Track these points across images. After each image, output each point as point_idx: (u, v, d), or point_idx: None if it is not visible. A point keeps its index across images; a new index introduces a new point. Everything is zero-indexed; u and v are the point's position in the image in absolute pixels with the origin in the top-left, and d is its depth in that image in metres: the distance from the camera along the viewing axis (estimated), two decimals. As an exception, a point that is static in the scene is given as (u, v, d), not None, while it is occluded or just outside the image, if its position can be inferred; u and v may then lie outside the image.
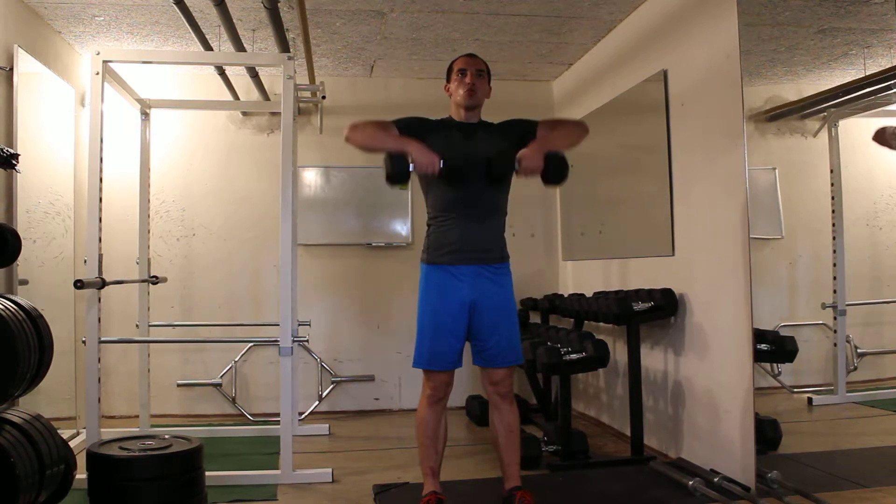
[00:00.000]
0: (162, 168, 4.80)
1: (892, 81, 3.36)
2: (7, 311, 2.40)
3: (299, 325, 4.30)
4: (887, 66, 3.41)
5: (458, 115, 2.80)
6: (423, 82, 5.20)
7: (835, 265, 3.62)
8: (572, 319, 4.37)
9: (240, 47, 3.89)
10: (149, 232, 4.31)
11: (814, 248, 3.80)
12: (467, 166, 2.63)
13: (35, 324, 2.52)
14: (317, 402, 4.99)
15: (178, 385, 4.85)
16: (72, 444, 3.15)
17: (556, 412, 3.88)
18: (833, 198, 3.62)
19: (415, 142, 2.60)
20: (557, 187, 2.71)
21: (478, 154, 2.68)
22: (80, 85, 4.47)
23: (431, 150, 2.57)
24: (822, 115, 3.67)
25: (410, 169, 2.55)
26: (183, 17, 3.46)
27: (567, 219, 5.20)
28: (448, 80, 2.83)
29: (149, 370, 4.27)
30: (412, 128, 2.71)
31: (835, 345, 3.64)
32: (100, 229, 3.28)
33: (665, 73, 3.66)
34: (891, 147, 2.88)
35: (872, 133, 2.88)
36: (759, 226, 3.37)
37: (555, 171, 2.59)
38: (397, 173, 2.54)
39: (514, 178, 2.73)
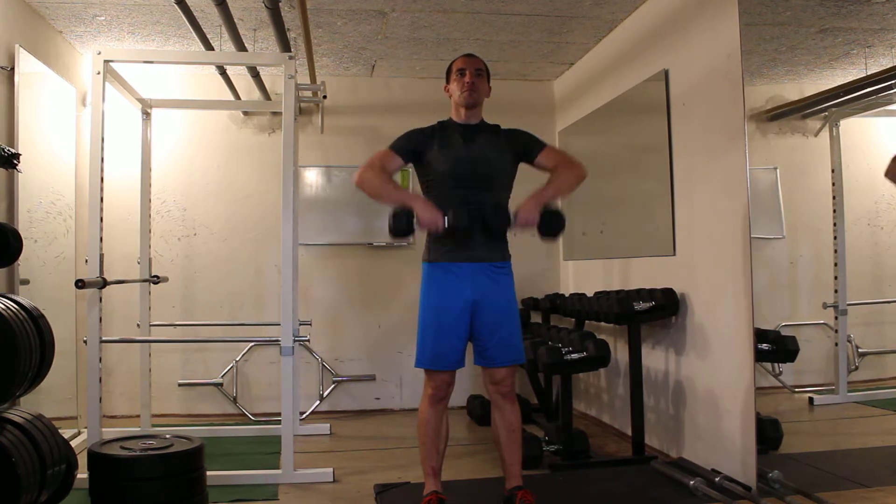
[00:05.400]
0: (163, 168, 4.81)
1: (893, 81, 3.36)
2: (8, 311, 2.40)
3: (300, 324, 4.29)
4: (888, 66, 3.41)
5: (459, 115, 2.80)
6: (424, 82, 5.20)
7: (836, 265, 3.62)
8: (573, 319, 4.37)
9: (241, 47, 3.89)
10: (150, 232, 4.31)
11: (815, 248, 3.80)
12: (468, 210, 2.61)
13: (36, 323, 2.53)
14: (318, 402, 4.99)
15: (180, 385, 4.85)
16: (73, 443, 3.17)
17: (557, 412, 3.88)
18: (834, 197, 3.62)
19: (420, 199, 2.65)
20: (553, 241, 2.76)
21: (479, 157, 2.72)
22: (81, 84, 4.48)
23: (434, 208, 2.60)
24: (823, 114, 3.67)
25: (415, 225, 2.60)
26: (184, 17, 3.46)
27: (568, 219, 5.15)
28: (447, 81, 2.84)
29: (150, 370, 4.27)
30: (411, 147, 2.76)
31: (836, 344, 3.64)
32: (101, 229, 3.28)
33: (666, 73, 3.66)
34: None
35: (885, 169, 2.84)
36: (760, 225, 3.37)
37: (550, 226, 2.67)
38: (402, 230, 2.60)
39: (516, 181, 2.81)
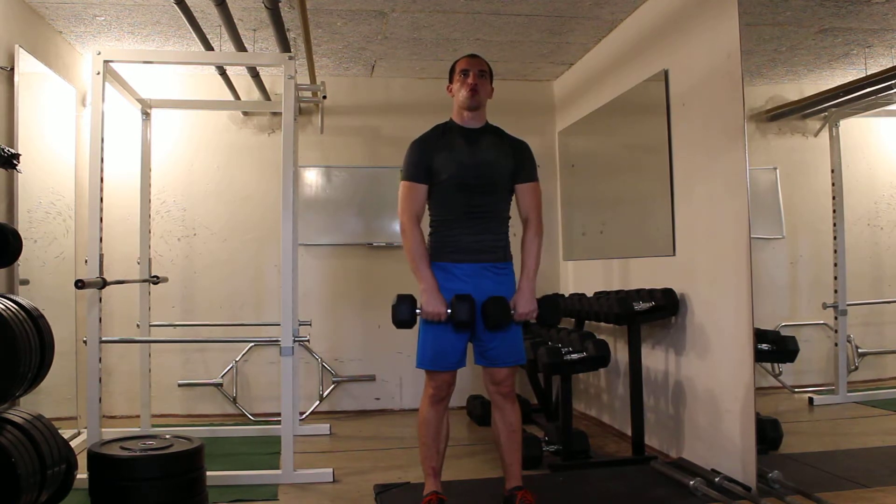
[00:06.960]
0: (163, 168, 4.80)
1: (893, 81, 3.36)
2: (8, 311, 2.40)
3: (300, 324, 4.29)
4: (888, 66, 3.41)
5: (461, 117, 2.79)
6: (423, 82, 5.20)
7: (836, 265, 3.62)
8: (573, 319, 4.37)
9: (241, 47, 3.89)
10: (150, 232, 4.31)
11: (815, 248, 3.80)
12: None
13: (36, 324, 2.53)
14: (318, 402, 4.99)
15: (179, 385, 4.85)
16: (73, 443, 3.16)
17: (557, 412, 3.88)
18: (834, 197, 3.62)
19: (429, 287, 2.64)
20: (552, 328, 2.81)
21: (482, 161, 2.72)
22: (81, 85, 4.48)
23: (440, 301, 2.61)
24: (823, 114, 3.68)
25: (417, 313, 2.65)
26: (184, 17, 3.46)
27: (568, 219, 5.19)
28: (451, 81, 2.83)
29: (150, 370, 4.27)
30: (423, 166, 2.72)
31: (836, 345, 3.64)
32: (101, 229, 3.28)
33: (666, 73, 3.66)
34: None
35: None
36: (760, 225, 3.38)
37: (550, 313, 2.75)
38: (404, 322, 2.64)
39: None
